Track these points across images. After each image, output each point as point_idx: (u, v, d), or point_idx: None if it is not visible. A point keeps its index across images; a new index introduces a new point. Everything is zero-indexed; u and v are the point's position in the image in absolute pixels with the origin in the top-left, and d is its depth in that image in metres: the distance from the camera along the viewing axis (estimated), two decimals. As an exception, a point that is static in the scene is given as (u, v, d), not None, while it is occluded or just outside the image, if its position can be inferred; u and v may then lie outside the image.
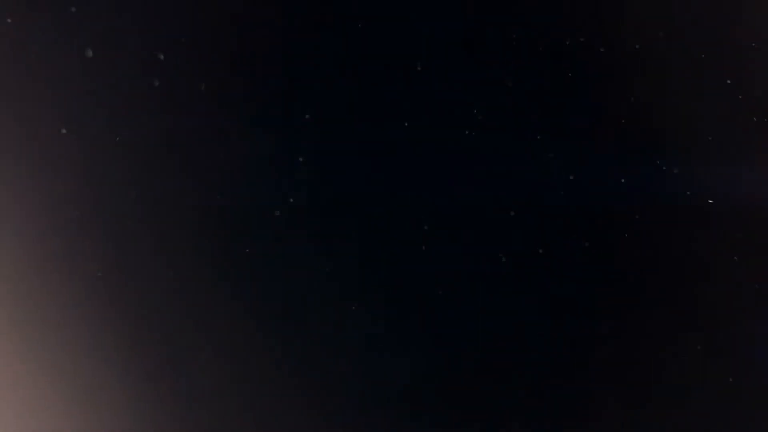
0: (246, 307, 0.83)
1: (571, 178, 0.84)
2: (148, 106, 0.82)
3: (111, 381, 0.82)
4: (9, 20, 0.80)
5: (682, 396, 0.84)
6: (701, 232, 0.85)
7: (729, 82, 0.86)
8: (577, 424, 0.84)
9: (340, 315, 0.83)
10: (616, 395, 0.84)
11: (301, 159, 0.83)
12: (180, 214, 0.83)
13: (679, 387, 0.84)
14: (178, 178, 0.83)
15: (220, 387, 0.82)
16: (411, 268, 0.83)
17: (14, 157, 0.82)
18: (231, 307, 0.83)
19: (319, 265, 0.83)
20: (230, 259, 0.83)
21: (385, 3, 0.84)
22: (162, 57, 0.82)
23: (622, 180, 0.84)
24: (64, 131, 0.81)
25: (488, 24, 0.84)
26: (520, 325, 0.84)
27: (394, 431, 0.83)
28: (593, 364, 0.84)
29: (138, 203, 0.83)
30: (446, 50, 0.84)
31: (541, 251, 0.83)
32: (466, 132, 0.83)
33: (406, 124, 0.83)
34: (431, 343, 0.83)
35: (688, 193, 0.84)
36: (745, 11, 0.86)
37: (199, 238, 0.83)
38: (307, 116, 0.83)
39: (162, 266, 0.83)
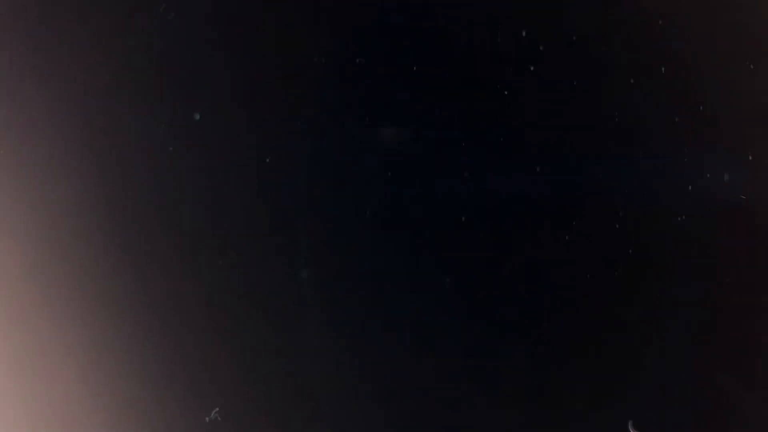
0: (251, 307, 0.83)
1: (571, 178, 0.84)
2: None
3: (111, 381, 0.82)
4: None
5: (681, 397, 0.84)
6: (701, 232, 0.85)
7: (728, 81, 0.86)
8: (577, 424, 0.84)
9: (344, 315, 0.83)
10: (615, 396, 0.84)
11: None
12: (180, 212, 0.83)
13: (679, 387, 0.84)
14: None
15: (226, 388, 0.83)
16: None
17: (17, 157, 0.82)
18: (233, 307, 0.83)
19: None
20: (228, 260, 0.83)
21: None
22: None
23: (620, 180, 0.84)
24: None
25: (490, 21, 0.84)
26: (519, 325, 0.84)
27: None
28: (593, 365, 0.84)
29: (138, 202, 0.83)
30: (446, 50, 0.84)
31: (541, 251, 0.84)
32: (466, 132, 0.83)
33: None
34: (435, 344, 0.84)
35: (688, 192, 0.85)
36: (744, 10, 0.86)
37: (198, 236, 0.83)
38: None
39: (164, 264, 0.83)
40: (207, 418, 0.81)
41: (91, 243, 0.82)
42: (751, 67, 0.86)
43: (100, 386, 0.82)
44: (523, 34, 0.83)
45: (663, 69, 0.85)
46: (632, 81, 0.84)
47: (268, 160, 0.83)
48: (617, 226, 0.84)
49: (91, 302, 0.82)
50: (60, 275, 0.82)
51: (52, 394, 0.82)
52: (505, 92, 0.83)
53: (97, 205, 0.83)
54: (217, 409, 0.81)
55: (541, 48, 0.83)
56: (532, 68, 0.83)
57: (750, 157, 0.85)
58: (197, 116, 0.81)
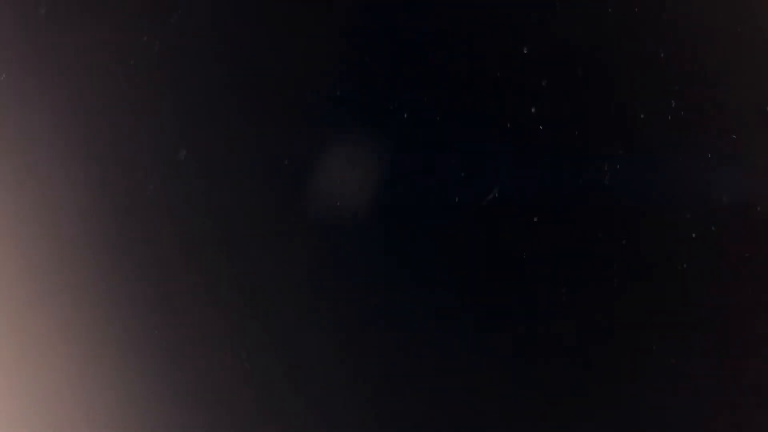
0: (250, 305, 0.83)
1: (571, 178, 0.84)
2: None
3: (110, 381, 0.82)
4: None
5: (681, 398, 0.84)
6: (700, 233, 0.85)
7: (730, 81, 0.86)
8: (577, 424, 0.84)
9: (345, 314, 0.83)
10: (614, 397, 0.84)
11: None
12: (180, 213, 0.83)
13: (679, 388, 0.84)
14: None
15: (224, 387, 0.83)
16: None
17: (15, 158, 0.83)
18: (233, 305, 0.83)
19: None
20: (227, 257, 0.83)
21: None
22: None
23: (620, 180, 0.84)
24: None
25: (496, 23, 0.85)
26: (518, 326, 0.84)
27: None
28: (590, 365, 0.84)
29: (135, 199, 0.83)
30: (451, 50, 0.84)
31: (539, 252, 0.84)
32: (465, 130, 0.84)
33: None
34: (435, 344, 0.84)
35: (687, 193, 0.85)
36: (744, 10, 0.86)
37: (196, 235, 0.83)
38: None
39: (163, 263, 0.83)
40: None
41: (90, 245, 0.83)
42: (752, 67, 0.86)
43: (100, 387, 0.82)
44: (526, 42, 0.84)
45: (663, 69, 0.85)
46: (632, 82, 0.85)
47: (267, 162, 0.83)
48: (617, 226, 0.84)
49: (89, 304, 0.82)
50: (59, 277, 0.82)
51: (51, 395, 0.82)
52: (512, 93, 0.84)
53: (98, 206, 0.83)
54: None
55: (543, 48, 0.84)
56: (534, 67, 0.84)
57: (750, 158, 0.85)
58: (182, 154, 0.82)
